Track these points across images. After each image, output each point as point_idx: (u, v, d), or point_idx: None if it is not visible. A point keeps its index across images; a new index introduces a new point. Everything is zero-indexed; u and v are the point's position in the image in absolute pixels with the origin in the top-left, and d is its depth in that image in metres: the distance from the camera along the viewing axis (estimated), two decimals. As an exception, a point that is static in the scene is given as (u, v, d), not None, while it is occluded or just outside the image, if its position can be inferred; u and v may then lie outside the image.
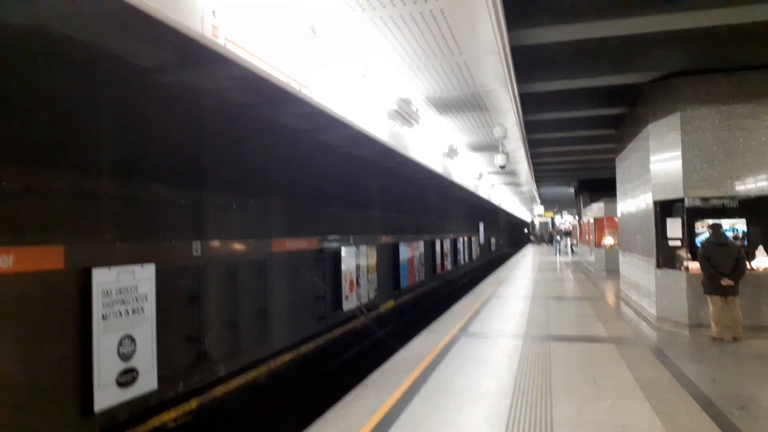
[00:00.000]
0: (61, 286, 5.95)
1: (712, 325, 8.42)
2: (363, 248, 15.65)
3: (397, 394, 5.97)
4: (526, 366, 7.10)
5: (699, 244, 9.09)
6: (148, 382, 6.87)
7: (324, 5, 5.85)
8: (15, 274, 5.38)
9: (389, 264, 18.94)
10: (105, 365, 6.27)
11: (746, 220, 9.70)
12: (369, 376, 6.75)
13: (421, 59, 7.77)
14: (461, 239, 33.56)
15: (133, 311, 6.71)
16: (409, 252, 21.14)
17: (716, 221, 8.87)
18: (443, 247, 27.66)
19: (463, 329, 9.74)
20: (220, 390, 8.35)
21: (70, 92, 6.30)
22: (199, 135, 8.61)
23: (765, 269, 8.83)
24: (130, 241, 6.92)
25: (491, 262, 43.05)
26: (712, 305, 8.42)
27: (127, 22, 5.82)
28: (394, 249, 19.51)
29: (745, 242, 9.54)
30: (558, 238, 39.55)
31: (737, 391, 5.97)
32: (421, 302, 20.26)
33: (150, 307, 6.98)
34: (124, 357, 6.53)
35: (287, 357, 10.53)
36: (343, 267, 13.97)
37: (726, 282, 8.16)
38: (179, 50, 6.76)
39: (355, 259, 14.92)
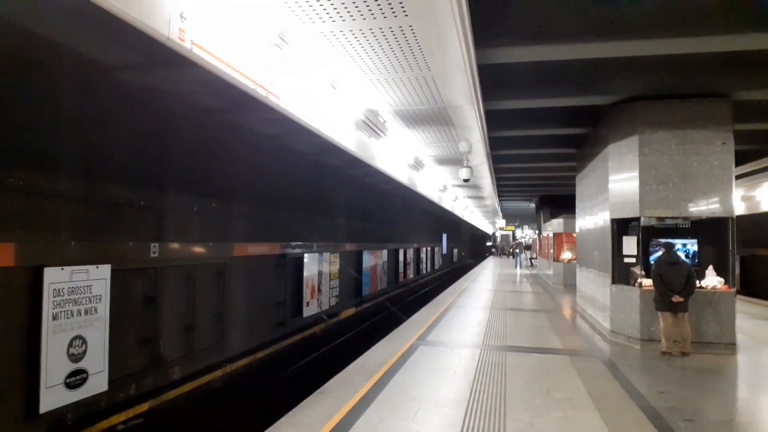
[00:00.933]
0: (10, 283, 5.78)
1: (662, 339, 8.71)
2: (326, 255, 15.61)
3: (353, 401, 5.97)
4: (482, 376, 7.19)
5: (652, 262, 9.38)
6: (98, 383, 6.72)
7: (293, 14, 5.87)
8: (-38, 269, 5.21)
9: (352, 271, 18.94)
10: (53, 366, 6.11)
11: (698, 240, 10.06)
12: (326, 383, 6.73)
13: (390, 72, 7.84)
14: (424, 249, 33.81)
15: (86, 311, 6.56)
16: (373, 260, 21.19)
17: (669, 240, 9.18)
18: (406, 257, 27.81)
19: (422, 338, 9.80)
20: (173, 393, 8.20)
21: (26, 87, 6.15)
22: (163, 137, 8.49)
23: (713, 288, 9.17)
24: (86, 240, 6.76)
25: (453, 272, 43.43)
26: (662, 321, 8.70)
27: (90, 20, 5.72)
28: (358, 257, 19.53)
29: (696, 261, 9.89)
30: (518, 251, 40.16)
31: (683, 404, 6.16)
32: (382, 310, 20.30)
33: (103, 308, 6.83)
34: (74, 358, 6.37)
35: (244, 362, 10.41)
36: (306, 273, 13.91)
37: (676, 299, 8.46)
38: (144, 52, 6.68)
39: (317, 266, 14.87)
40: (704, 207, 9.26)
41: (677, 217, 9.78)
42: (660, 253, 9.19)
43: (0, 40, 5.71)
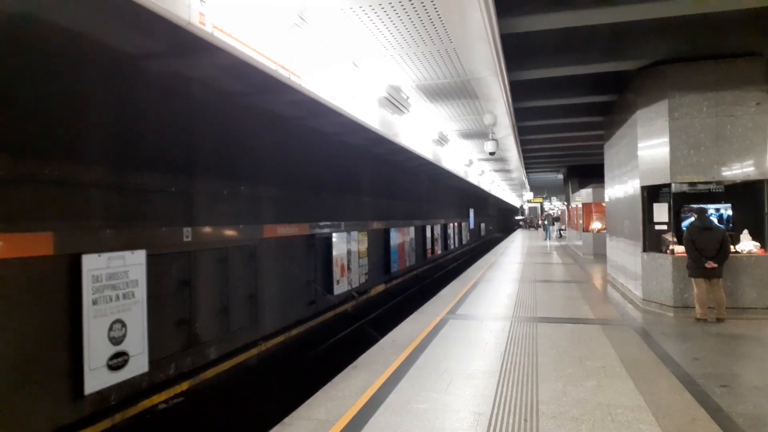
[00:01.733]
0: (50, 271, 5.98)
1: (697, 306, 8.60)
2: (354, 234, 15.72)
3: (386, 375, 6.06)
4: (513, 347, 7.21)
5: (684, 228, 9.22)
6: (139, 365, 6.95)
7: (312, -10, 5.86)
8: (3, 260, 5.40)
9: (380, 249, 19.05)
10: (95, 349, 6.33)
11: (732, 204, 9.84)
12: (358, 358, 6.84)
13: (411, 46, 7.78)
14: (451, 225, 33.75)
15: (124, 296, 6.76)
16: (400, 237, 21.25)
17: (702, 206, 9.00)
18: (434, 233, 27.81)
19: (452, 312, 9.84)
20: (211, 372, 8.44)
21: (58, 81, 6.27)
22: (190, 123, 8.60)
23: (749, 252, 8.99)
24: (120, 227, 6.94)
25: (481, 246, 43.32)
26: (696, 287, 8.58)
27: (112, 8, 5.81)
28: (385, 234, 19.61)
29: (730, 225, 9.68)
30: (546, 223, 39.72)
31: (719, 370, 6.09)
32: (411, 286, 20.41)
33: (141, 292, 7.03)
34: (115, 341, 6.58)
35: (278, 340, 10.62)
36: (335, 252, 14.06)
37: (710, 265, 8.32)
38: (166, 38, 6.75)
39: (346, 245, 15.00)
40: (738, 170, 9.03)
41: (710, 182, 9.58)
42: (692, 219, 9.02)
43: (30, 35, 5.83)
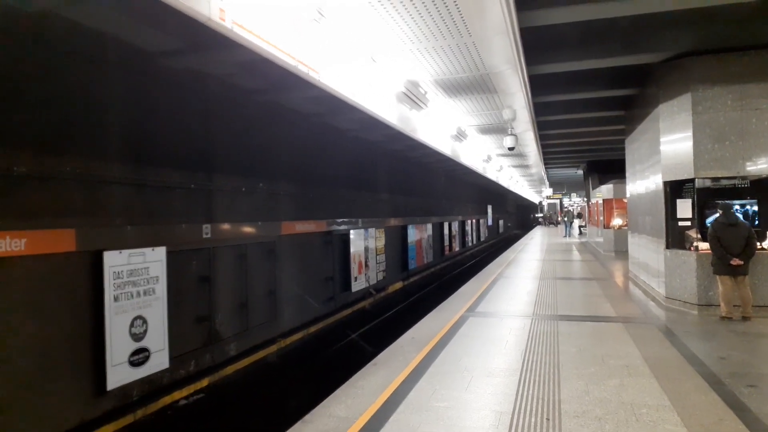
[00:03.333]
0: (73, 268, 6.04)
1: (722, 304, 8.43)
2: (371, 230, 15.70)
3: (406, 372, 6.03)
4: (534, 345, 7.14)
5: (709, 225, 9.05)
6: (159, 361, 7.00)
7: (331, -15, 5.83)
8: (28, 256, 5.46)
9: (398, 246, 19.01)
10: (117, 345, 6.39)
11: (758, 200, 9.63)
12: (378, 356, 6.82)
13: (429, 41, 7.72)
14: (469, 221, 33.58)
15: (144, 292, 6.81)
16: (418, 234, 21.18)
17: (726, 201, 8.82)
18: (451, 230, 27.69)
19: (471, 309, 9.78)
20: (231, 369, 8.48)
21: (79, 79, 6.32)
22: (209, 121, 8.64)
23: (775, 249, 8.80)
24: (141, 224, 6.99)
25: (499, 243, 43.06)
26: (721, 285, 8.41)
27: (132, 5, 5.83)
28: (403, 231, 19.56)
29: (756, 222, 9.47)
30: (566, 219, 39.25)
31: (746, 370, 5.96)
32: (429, 283, 20.34)
33: (161, 289, 7.08)
34: (136, 337, 6.64)
35: (297, 336, 10.65)
36: (352, 249, 14.06)
37: (736, 262, 8.15)
38: (187, 34, 6.76)
39: (363, 242, 14.99)
40: (764, 165, 8.82)
41: (735, 177, 9.37)
42: (717, 215, 8.84)
43: (51, 33, 5.88)
